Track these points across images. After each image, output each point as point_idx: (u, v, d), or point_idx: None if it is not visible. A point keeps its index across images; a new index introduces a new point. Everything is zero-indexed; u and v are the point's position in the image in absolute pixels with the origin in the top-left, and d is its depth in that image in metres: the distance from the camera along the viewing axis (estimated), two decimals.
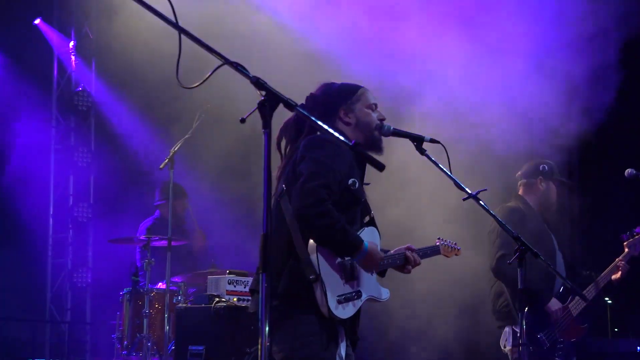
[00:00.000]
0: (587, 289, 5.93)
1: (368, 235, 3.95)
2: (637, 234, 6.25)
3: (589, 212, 8.34)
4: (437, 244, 4.66)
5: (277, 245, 3.77)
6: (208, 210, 8.70)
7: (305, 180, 3.68)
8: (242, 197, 8.12)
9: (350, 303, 3.80)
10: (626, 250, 6.18)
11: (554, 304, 5.80)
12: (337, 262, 3.78)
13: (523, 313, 3.96)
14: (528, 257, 4.04)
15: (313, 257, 3.69)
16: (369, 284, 3.96)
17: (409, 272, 4.19)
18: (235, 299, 6.07)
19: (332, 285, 3.72)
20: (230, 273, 6.27)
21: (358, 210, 3.97)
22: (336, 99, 4.10)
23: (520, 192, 6.23)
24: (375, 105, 4.17)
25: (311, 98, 4.11)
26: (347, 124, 4.07)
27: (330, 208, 3.66)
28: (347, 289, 3.81)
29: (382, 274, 4.16)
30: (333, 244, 3.73)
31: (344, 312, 3.76)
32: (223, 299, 6.01)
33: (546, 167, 6.20)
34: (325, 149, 3.79)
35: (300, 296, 3.70)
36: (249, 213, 7.91)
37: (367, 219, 4.07)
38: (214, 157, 8.52)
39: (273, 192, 3.89)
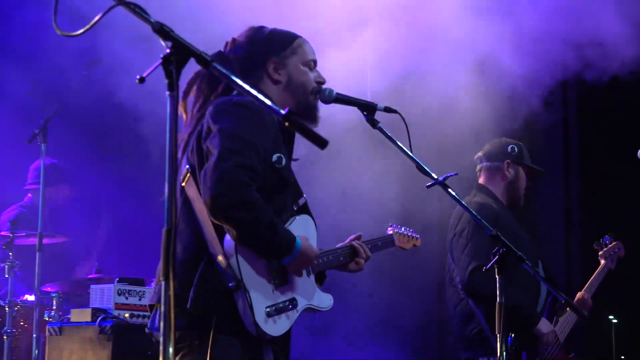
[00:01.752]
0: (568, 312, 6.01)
1: (300, 227, 3.94)
2: (609, 244, 6.42)
3: (586, 212, 8.47)
4: (390, 232, 4.69)
5: (184, 245, 3.74)
6: (92, 197, 8.61)
7: (218, 160, 3.61)
8: (137, 180, 8.06)
9: (283, 315, 3.78)
10: (602, 262, 6.35)
11: (545, 326, 5.82)
12: (263, 262, 3.75)
13: (502, 334, 3.98)
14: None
15: (232, 258, 3.65)
16: (306, 289, 3.95)
17: (360, 268, 4.23)
18: (127, 315, 6.04)
19: (259, 293, 3.68)
20: (120, 281, 6.23)
21: (288, 194, 3.95)
22: (265, 48, 4.07)
23: (481, 181, 6.22)
24: (315, 62, 4.17)
25: (232, 45, 4.09)
26: (276, 82, 4.06)
27: (255, 196, 3.61)
28: (279, 297, 3.78)
29: (321, 279, 4.16)
30: (258, 243, 3.69)
31: (276, 327, 3.73)
32: (111, 315, 5.97)
33: (515, 149, 6.22)
34: (241, 117, 3.75)
35: (217, 310, 3.66)
36: (145, 201, 7.85)
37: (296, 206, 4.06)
38: (100, 128, 8.43)
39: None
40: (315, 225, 4.07)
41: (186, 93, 3.98)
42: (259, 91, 2.74)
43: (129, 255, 8.36)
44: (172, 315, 2.53)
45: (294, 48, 4.10)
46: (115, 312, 6.03)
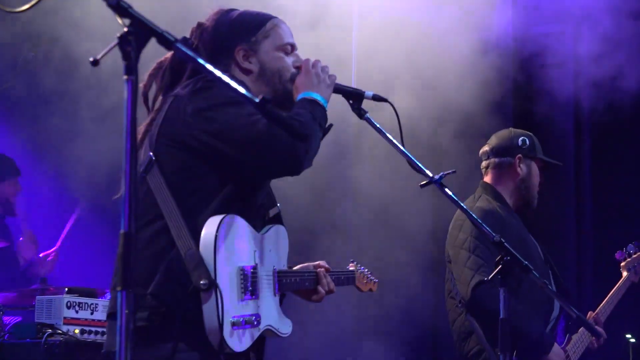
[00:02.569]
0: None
1: (272, 238, 3.94)
2: (633, 254, 6.38)
3: (602, 214, 8.48)
4: (351, 268, 4.73)
5: (147, 242, 3.68)
6: (35, 195, 8.59)
7: (250, 133, 3.61)
8: (89, 177, 8.03)
9: (248, 330, 3.72)
10: (624, 274, 6.30)
11: (557, 354, 5.78)
12: (240, 267, 3.70)
13: (506, 355, 3.96)
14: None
15: (209, 255, 3.58)
16: (270, 308, 3.91)
17: (320, 299, 4.25)
18: (77, 331, 6.01)
19: (229, 299, 3.63)
20: (70, 292, 6.19)
21: (258, 196, 3.92)
22: (231, 34, 4.03)
23: (488, 179, 6.11)
24: (292, 46, 4.13)
25: (198, 31, 4.05)
26: (247, 71, 4.02)
27: (291, 123, 3.65)
28: (245, 308, 3.73)
29: (280, 299, 4.09)
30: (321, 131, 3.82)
31: (240, 343, 3.67)
32: (59, 331, 5.94)
33: (527, 141, 6.11)
34: (223, 87, 3.69)
35: (180, 311, 3.60)
36: (98, 200, 7.83)
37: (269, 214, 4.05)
38: (45, 117, 8.41)
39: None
40: (287, 239, 4.09)
41: (147, 85, 3.95)
42: (231, 77, 2.74)
43: (78, 262, 8.33)
44: (130, 331, 2.53)
45: (267, 31, 4.06)
46: (64, 328, 5.99)
